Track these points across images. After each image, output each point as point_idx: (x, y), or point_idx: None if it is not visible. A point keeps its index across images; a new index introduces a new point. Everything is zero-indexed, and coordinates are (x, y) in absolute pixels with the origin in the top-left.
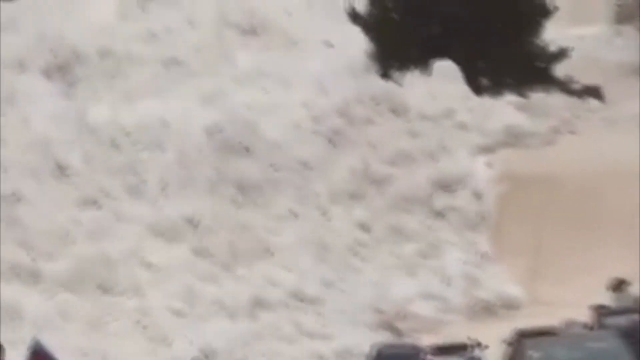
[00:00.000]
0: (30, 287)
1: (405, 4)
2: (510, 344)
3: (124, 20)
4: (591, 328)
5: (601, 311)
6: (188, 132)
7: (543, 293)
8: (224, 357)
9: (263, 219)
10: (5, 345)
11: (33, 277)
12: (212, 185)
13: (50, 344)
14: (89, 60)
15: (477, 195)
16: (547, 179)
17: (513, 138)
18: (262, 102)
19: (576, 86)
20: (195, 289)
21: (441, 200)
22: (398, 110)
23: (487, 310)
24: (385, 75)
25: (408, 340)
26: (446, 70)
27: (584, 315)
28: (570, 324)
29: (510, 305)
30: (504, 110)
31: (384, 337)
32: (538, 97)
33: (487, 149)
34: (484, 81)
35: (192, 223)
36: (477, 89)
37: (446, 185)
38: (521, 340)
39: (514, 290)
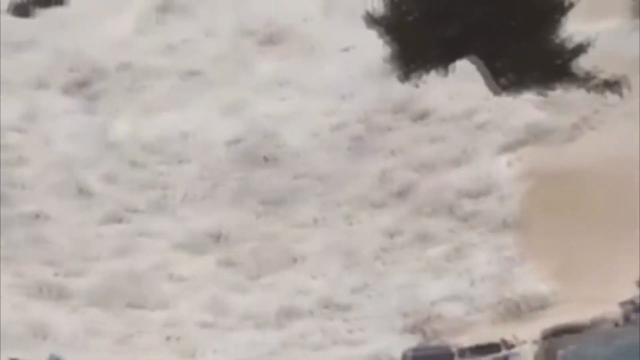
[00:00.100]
0: (57, 305)
1: (422, 6)
2: (541, 342)
3: (141, 34)
4: (620, 324)
5: (629, 307)
6: (209, 144)
7: (572, 291)
8: None
9: (287, 228)
10: None
11: (59, 294)
12: (235, 197)
13: None
14: (108, 75)
15: (502, 197)
16: (571, 175)
17: (534, 136)
18: (282, 111)
19: (595, 81)
20: (223, 301)
21: (466, 205)
22: (418, 115)
23: (516, 309)
24: (404, 77)
25: (440, 342)
26: (465, 71)
27: (614, 313)
28: (600, 321)
29: (539, 304)
30: (524, 108)
31: (412, 341)
32: (557, 94)
33: (508, 148)
34: (504, 80)
35: (217, 235)
36: (499, 88)
37: (470, 189)
38: (551, 339)
39: (542, 288)
